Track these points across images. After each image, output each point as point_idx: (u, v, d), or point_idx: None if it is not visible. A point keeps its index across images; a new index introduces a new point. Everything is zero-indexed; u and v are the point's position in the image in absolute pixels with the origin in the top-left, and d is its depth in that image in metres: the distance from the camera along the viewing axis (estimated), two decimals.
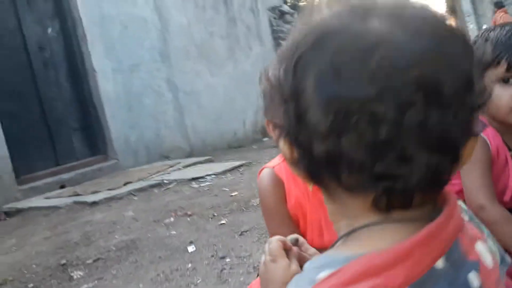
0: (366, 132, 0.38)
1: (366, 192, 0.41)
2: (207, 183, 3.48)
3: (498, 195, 1.09)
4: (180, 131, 5.66)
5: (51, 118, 4.45)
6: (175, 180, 3.65)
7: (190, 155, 5.60)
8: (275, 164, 1.05)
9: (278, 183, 1.02)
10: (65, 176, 4.28)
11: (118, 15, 5.09)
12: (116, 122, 4.85)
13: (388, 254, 0.39)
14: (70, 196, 3.59)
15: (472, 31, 12.21)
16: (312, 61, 0.41)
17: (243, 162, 4.22)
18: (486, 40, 1.02)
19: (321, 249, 0.86)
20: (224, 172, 3.79)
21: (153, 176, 4.04)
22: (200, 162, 4.58)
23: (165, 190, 3.43)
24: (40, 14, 4.54)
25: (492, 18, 9.29)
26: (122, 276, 1.84)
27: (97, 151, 4.78)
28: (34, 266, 2.08)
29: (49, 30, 4.60)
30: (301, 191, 1.01)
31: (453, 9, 17.86)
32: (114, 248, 2.15)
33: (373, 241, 0.42)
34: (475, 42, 1.07)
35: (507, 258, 0.50)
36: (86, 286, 1.72)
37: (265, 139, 6.92)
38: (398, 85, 0.38)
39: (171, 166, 4.43)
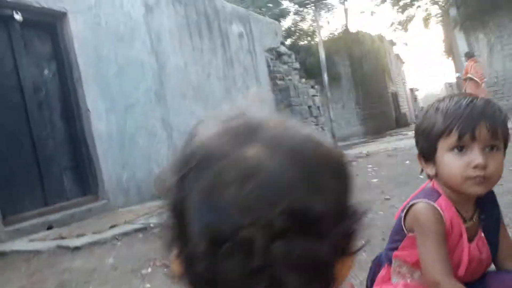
0: (238, 259, 0.39)
1: None
2: None
3: (453, 268, 1.07)
4: None
5: (42, 157, 4.47)
6: (161, 224, 3.60)
7: None
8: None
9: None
10: (53, 216, 4.24)
11: (115, 57, 5.21)
12: (107, 161, 4.86)
13: None
14: (54, 239, 3.54)
15: None
16: (192, 183, 0.42)
17: None
18: (437, 110, 1.04)
19: None
20: None
21: (140, 218, 4.00)
22: None
23: (149, 234, 3.38)
24: (37, 56, 4.66)
25: (464, 67, 9.64)
26: None
27: (87, 191, 4.77)
28: None
29: (46, 71, 4.71)
30: None
31: (450, 50, 18.24)
32: None
33: None
34: (426, 111, 1.08)
35: None
36: None
37: None
38: (268, 215, 0.39)
39: (160, 207, 4.38)
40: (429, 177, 1.09)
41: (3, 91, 4.26)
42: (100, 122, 4.91)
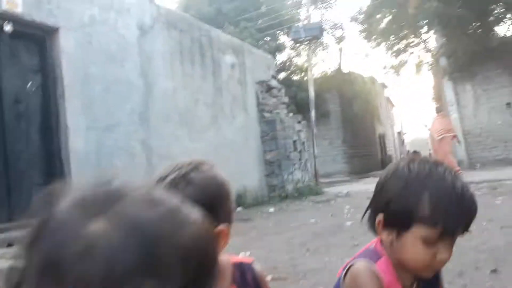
0: None
1: None
2: None
3: None
4: None
5: (13, 171, 4.37)
6: None
7: None
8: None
9: None
10: (15, 233, 4.09)
11: (103, 76, 5.21)
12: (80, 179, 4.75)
13: None
14: (10, 258, 3.40)
15: (455, 120, 12.72)
16: (33, 254, 0.41)
17: None
18: (423, 187, 0.94)
19: None
20: None
21: None
22: None
23: None
24: (23, 68, 4.63)
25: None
26: None
27: None
28: None
29: (29, 84, 4.67)
30: None
31: (439, 97, 18.69)
32: None
33: None
34: (405, 177, 0.97)
35: None
36: None
37: (238, 208, 6.83)
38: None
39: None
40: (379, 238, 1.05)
41: None
42: (79, 139, 4.84)
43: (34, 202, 0.45)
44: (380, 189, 1.02)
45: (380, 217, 1.00)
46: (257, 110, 8.03)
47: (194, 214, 0.49)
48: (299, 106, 12.78)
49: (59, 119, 4.74)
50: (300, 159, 8.51)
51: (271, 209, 6.40)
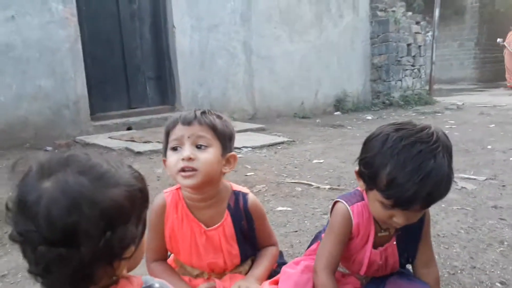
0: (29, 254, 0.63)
1: None
2: (239, 155, 3.73)
3: (355, 268, 1.16)
4: (247, 93, 5.89)
5: (130, 65, 4.99)
6: None
7: (253, 117, 5.85)
8: (169, 190, 1.24)
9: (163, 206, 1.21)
10: (133, 119, 4.86)
11: None
12: (186, 77, 5.24)
13: None
14: (127, 140, 4.12)
15: None
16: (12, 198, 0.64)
17: (286, 139, 4.36)
18: (392, 155, 0.95)
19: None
20: (261, 147, 3.98)
21: None
22: (252, 130, 4.81)
23: None
24: None
25: None
26: None
27: (166, 101, 5.28)
28: None
29: None
30: (177, 218, 1.20)
31: None
32: None
33: None
34: (383, 139, 0.99)
35: None
36: None
37: (337, 113, 6.86)
38: (43, 229, 0.60)
39: None
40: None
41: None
42: (184, 39, 5.21)
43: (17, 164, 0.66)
44: (364, 143, 1.07)
45: (357, 167, 1.07)
46: (369, 8, 7.41)
47: (121, 177, 0.67)
48: (427, 2, 11.29)
49: (167, 19, 5.11)
50: (413, 65, 7.86)
51: (369, 117, 6.28)
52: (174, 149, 1.12)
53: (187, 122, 1.11)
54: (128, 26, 4.94)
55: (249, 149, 3.92)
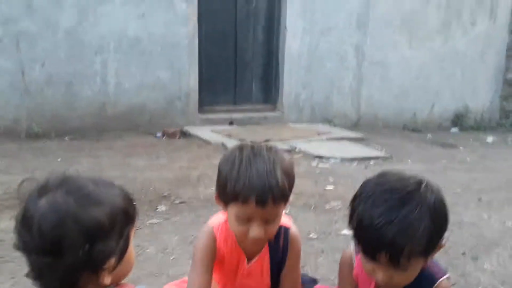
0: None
1: None
2: (326, 165, 3.66)
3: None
4: (352, 99, 5.72)
5: (239, 63, 5.24)
6: (304, 152, 3.96)
7: (355, 124, 5.68)
8: (215, 224, 1.23)
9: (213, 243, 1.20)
10: (236, 115, 5.11)
11: None
12: (291, 78, 5.30)
13: None
14: (224, 136, 4.37)
15: None
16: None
17: (383, 154, 4.14)
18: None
19: None
20: (352, 160, 3.84)
21: (298, 139, 4.42)
22: (348, 139, 4.67)
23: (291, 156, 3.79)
24: None
25: None
26: (189, 222, 2.36)
27: (268, 100, 5.42)
28: (151, 188, 2.88)
29: None
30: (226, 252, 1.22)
31: None
32: (201, 197, 2.73)
33: None
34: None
35: None
36: (156, 221, 2.36)
37: (454, 129, 6.24)
38: (37, 241, 0.71)
39: (318, 134, 4.69)
40: None
41: None
42: (294, 41, 5.26)
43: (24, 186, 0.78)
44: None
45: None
46: (510, 15, 6.51)
47: (105, 198, 0.76)
48: None
49: (280, 21, 5.21)
50: None
51: (490, 139, 5.57)
52: (240, 218, 1.07)
53: (261, 203, 1.01)
54: (243, 25, 5.17)
55: (338, 160, 3.82)
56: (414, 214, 0.88)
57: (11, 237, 0.79)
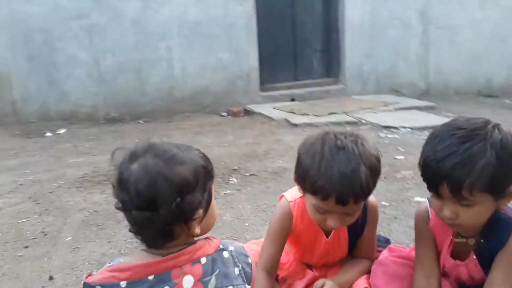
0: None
1: None
2: (395, 136, 3.56)
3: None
4: (420, 67, 5.46)
5: (299, 38, 5.19)
6: (371, 123, 3.86)
7: (424, 93, 5.44)
8: (292, 199, 1.23)
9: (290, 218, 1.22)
10: (297, 91, 5.10)
11: None
12: (353, 49, 5.16)
13: (127, 265, 0.84)
14: (287, 112, 4.38)
15: None
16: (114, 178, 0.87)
17: None
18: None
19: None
20: (423, 129, 3.69)
21: (363, 111, 4.32)
22: (418, 108, 4.49)
23: (355, 128, 3.73)
24: None
25: None
26: (260, 192, 2.44)
27: (330, 74, 5.34)
28: (222, 162, 2.99)
29: None
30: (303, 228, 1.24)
31: None
32: (269, 170, 2.80)
33: (134, 257, 0.87)
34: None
35: None
36: (229, 192, 2.46)
37: None
38: (134, 199, 0.81)
39: (385, 105, 4.55)
40: None
41: None
42: (355, 10, 5.09)
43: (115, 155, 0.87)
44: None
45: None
46: None
47: (187, 157, 0.84)
48: None
49: None
50: None
51: None
52: (318, 209, 1.06)
53: (342, 203, 1.00)
54: (300, 0, 5.09)
55: (408, 129, 3.69)
56: (475, 148, 0.88)
57: (104, 208, 0.88)
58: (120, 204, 0.83)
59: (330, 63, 5.31)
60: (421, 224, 1.09)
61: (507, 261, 0.98)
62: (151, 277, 0.83)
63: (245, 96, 4.92)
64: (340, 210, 1.02)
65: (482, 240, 1.02)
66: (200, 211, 0.86)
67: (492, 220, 0.98)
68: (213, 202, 0.93)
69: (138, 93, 4.62)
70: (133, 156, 0.84)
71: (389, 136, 3.57)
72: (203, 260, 0.87)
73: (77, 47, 4.42)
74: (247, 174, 2.76)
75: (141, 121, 4.46)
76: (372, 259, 1.26)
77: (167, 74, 4.69)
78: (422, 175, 0.96)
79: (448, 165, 0.88)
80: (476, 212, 0.92)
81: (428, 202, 1.09)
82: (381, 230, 1.93)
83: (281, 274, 1.28)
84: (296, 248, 1.29)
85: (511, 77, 5.78)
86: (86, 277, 0.85)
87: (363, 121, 3.95)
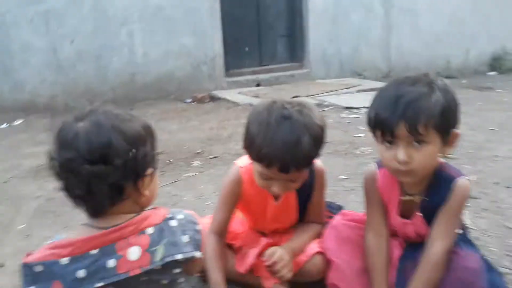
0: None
1: None
2: (356, 116, 3.62)
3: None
4: (382, 50, 5.56)
5: (263, 23, 5.18)
6: (333, 105, 3.92)
7: (386, 76, 5.56)
8: (242, 165, 1.26)
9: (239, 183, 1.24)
10: (262, 76, 5.10)
11: None
12: (317, 33, 5.20)
13: (69, 241, 0.82)
14: (253, 96, 4.38)
15: None
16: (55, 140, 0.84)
17: None
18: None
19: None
20: None
21: (327, 94, 4.37)
22: None
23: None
24: None
25: None
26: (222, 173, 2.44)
27: (294, 59, 5.36)
28: (185, 147, 2.97)
29: None
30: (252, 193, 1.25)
31: None
32: (232, 153, 2.79)
33: (76, 232, 0.85)
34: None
35: (170, 259, 0.86)
36: (191, 174, 2.45)
37: (491, 73, 5.97)
38: (85, 153, 0.79)
39: (348, 87, 4.62)
40: None
41: None
42: None
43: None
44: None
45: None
46: None
47: (134, 117, 0.83)
48: None
49: None
50: None
51: None
52: (263, 176, 1.09)
53: (285, 171, 1.03)
54: None
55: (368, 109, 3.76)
56: (424, 89, 0.94)
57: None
58: (64, 166, 0.80)
59: (295, 48, 5.34)
60: (370, 185, 1.12)
61: (447, 216, 1.03)
62: (94, 251, 0.81)
63: (210, 82, 4.88)
64: (284, 177, 1.06)
65: (426, 198, 1.06)
66: (150, 170, 0.86)
67: (435, 178, 1.04)
68: (156, 177, 0.92)
69: (98, 81, 4.51)
70: (78, 118, 0.83)
71: (350, 116, 3.64)
72: (150, 230, 0.85)
73: (32, 34, 4.24)
74: (210, 157, 2.75)
75: None
76: (322, 223, 1.29)
77: (129, 61, 4.59)
78: (375, 126, 0.98)
79: (403, 103, 0.93)
80: (428, 154, 0.96)
81: (376, 165, 1.12)
82: (339, 201, 1.98)
83: (237, 243, 1.29)
84: (248, 215, 1.31)
85: (469, 59, 5.98)
86: (26, 257, 0.81)
87: (326, 103, 4.00)
